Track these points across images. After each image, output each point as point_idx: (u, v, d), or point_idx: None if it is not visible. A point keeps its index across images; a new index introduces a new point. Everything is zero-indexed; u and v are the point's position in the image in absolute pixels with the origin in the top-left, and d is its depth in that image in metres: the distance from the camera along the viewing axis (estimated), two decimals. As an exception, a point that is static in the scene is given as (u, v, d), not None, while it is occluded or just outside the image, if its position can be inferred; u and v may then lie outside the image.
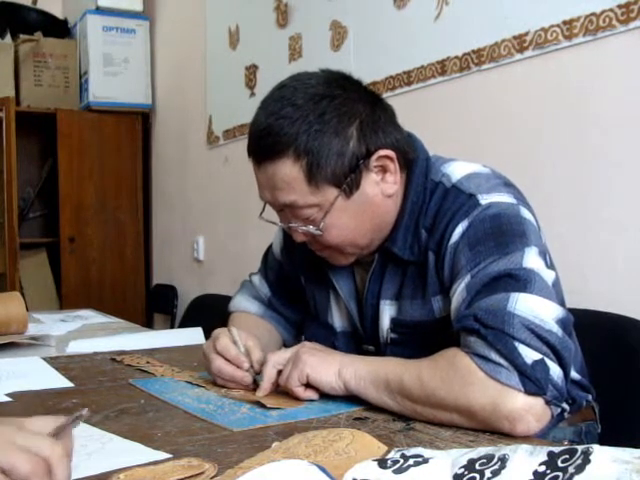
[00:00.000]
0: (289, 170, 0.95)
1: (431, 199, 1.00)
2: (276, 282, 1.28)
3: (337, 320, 1.15)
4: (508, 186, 0.99)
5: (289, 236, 1.08)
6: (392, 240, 1.02)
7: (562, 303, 0.90)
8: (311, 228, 0.99)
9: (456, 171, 1.00)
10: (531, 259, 0.88)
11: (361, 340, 1.11)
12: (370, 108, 0.98)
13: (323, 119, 0.94)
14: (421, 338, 1.01)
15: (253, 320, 1.26)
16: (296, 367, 0.95)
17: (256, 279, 1.31)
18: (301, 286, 1.22)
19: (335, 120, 0.95)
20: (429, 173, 1.02)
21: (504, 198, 0.95)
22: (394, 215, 1.02)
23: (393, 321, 1.03)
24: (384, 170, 0.99)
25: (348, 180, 0.96)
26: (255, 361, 1.03)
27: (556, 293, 0.88)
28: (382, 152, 0.97)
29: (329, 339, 1.14)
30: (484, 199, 0.94)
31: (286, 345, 1.27)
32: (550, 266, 0.93)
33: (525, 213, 0.94)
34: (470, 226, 0.93)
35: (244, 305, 1.29)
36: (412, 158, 1.02)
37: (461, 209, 0.95)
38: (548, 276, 0.88)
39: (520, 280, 0.85)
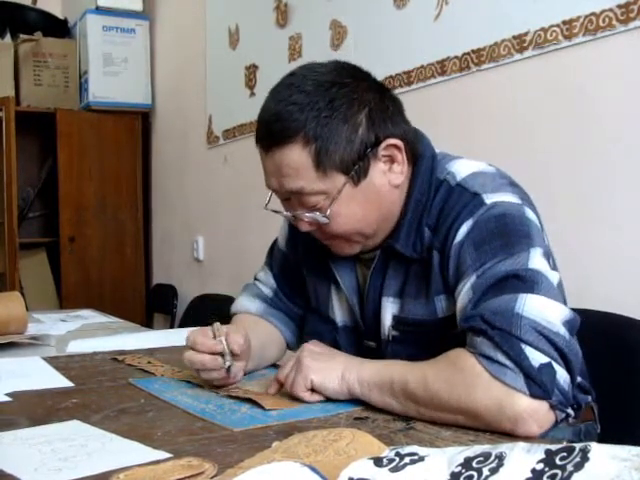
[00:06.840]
0: (297, 156, 0.94)
1: (435, 197, 0.99)
2: (281, 274, 1.26)
3: (338, 314, 1.14)
4: (513, 186, 0.98)
5: (294, 227, 1.08)
6: (395, 237, 1.02)
7: (565, 305, 0.90)
8: (318, 215, 0.98)
9: (461, 169, 1.00)
10: (536, 260, 0.88)
11: (363, 335, 1.11)
12: (379, 97, 0.99)
13: (332, 106, 0.94)
14: (422, 337, 1.00)
15: (252, 320, 1.24)
16: (300, 373, 0.94)
17: (261, 274, 1.30)
18: (304, 279, 1.22)
19: (344, 107, 0.95)
20: (435, 171, 1.01)
21: (509, 198, 0.94)
22: (400, 206, 1.02)
23: (395, 319, 1.03)
24: (392, 160, 0.99)
25: (356, 167, 0.96)
26: (232, 342, 1.01)
27: (560, 294, 0.88)
28: (391, 141, 0.97)
29: (331, 334, 1.14)
30: (489, 198, 0.94)
31: (288, 344, 1.27)
32: (554, 267, 0.93)
33: (530, 214, 0.94)
34: (475, 225, 0.93)
35: (245, 305, 1.27)
36: (419, 152, 1.02)
37: (466, 208, 0.94)
38: (553, 277, 0.88)
39: (527, 281, 0.85)
